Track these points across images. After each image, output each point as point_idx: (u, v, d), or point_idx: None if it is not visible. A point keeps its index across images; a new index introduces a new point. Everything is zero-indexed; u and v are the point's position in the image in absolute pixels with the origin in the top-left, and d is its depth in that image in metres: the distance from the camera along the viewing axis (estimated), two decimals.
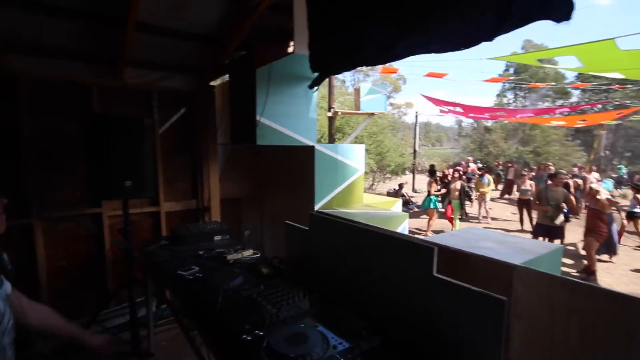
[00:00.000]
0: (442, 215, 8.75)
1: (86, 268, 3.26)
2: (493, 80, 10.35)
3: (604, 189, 6.15)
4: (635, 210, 7.25)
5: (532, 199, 7.70)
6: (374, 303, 1.41)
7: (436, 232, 8.04)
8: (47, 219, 3.02)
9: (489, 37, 1.12)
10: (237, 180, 4.27)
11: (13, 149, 2.84)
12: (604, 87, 16.28)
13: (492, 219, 9.64)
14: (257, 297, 1.57)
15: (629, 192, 8.49)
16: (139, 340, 2.83)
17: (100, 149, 2.54)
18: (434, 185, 8.21)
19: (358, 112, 8.16)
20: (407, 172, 17.44)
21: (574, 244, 7.18)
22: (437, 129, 48.95)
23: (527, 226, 8.27)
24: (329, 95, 8.21)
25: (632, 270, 5.94)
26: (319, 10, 1.70)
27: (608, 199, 5.78)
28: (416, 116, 18.49)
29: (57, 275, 3.11)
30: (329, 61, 1.72)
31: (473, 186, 10.28)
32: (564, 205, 5.69)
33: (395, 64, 8.06)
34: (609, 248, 6.03)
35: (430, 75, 7.85)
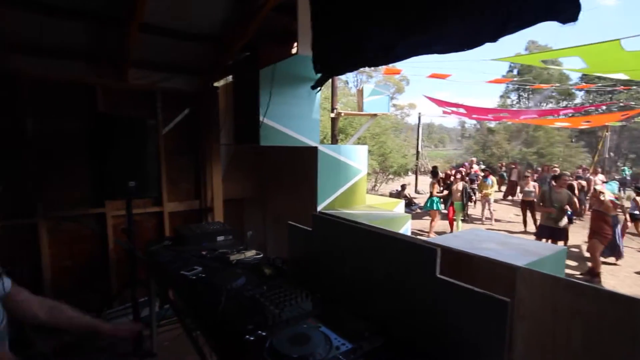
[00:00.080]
0: (445, 217, 8.73)
1: (90, 268, 3.28)
2: (497, 81, 10.33)
3: (609, 191, 6.11)
4: (635, 212, 7.24)
5: (535, 200, 7.66)
6: (377, 304, 1.40)
7: (439, 233, 8.02)
8: (52, 219, 3.04)
9: (493, 38, 1.11)
10: (240, 181, 4.28)
11: (18, 148, 2.86)
12: (609, 89, 16.21)
13: (496, 220, 9.60)
14: (260, 298, 1.57)
15: (633, 194, 8.44)
16: (141, 340, 2.83)
17: (104, 149, 2.56)
18: (436, 186, 8.19)
19: (361, 113, 8.18)
20: (409, 173, 17.41)
21: (577, 246, 7.13)
22: (440, 130, 48.84)
23: (531, 228, 8.23)
24: (331, 96, 8.22)
25: (636, 273, 5.89)
26: (319, 11, 1.70)
27: (612, 202, 5.74)
28: (419, 117, 18.47)
29: (62, 275, 3.13)
30: (329, 61, 1.72)
31: (476, 187, 10.25)
32: (567, 207, 5.67)
33: (399, 65, 8.06)
34: (614, 250, 6.00)
35: (433, 76, 7.84)
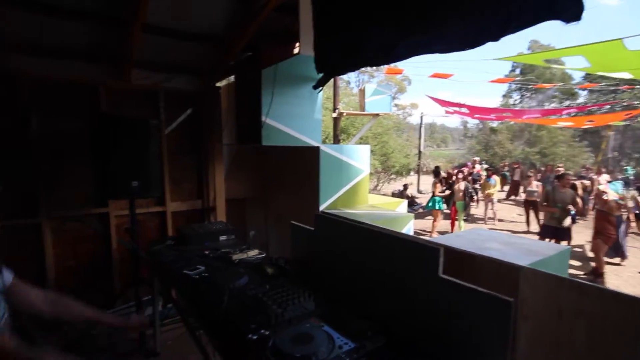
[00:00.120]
0: (448, 216, 8.71)
1: (93, 267, 3.29)
2: (499, 80, 10.29)
3: (613, 191, 6.06)
4: (637, 212, 7.21)
5: (538, 200, 7.63)
6: (380, 303, 1.41)
7: (441, 233, 8.00)
8: (55, 219, 3.06)
9: (494, 38, 1.11)
10: (242, 181, 4.29)
11: (20, 149, 2.88)
12: (612, 88, 16.10)
13: (498, 220, 9.58)
14: (263, 297, 1.57)
15: (636, 194, 8.40)
16: (145, 340, 2.85)
17: (107, 149, 2.57)
18: (438, 186, 8.17)
19: (363, 113, 8.16)
20: (412, 173, 17.37)
21: (581, 246, 7.10)
22: (442, 129, 48.64)
23: (534, 227, 8.20)
24: (333, 96, 8.22)
25: None
26: (320, 10, 1.70)
27: (616, 202, 5.71)
28: (421, 117, 18.42)
29: (66, 274, 3.15)
30: (330, 61, 1.72)
31: (479, 187, 10.21)
32: (571, 207, 5.64)
33: (400, 65, 8.02)
34: (618, 251, 5.96)
35: (435, 76, 7.81)
